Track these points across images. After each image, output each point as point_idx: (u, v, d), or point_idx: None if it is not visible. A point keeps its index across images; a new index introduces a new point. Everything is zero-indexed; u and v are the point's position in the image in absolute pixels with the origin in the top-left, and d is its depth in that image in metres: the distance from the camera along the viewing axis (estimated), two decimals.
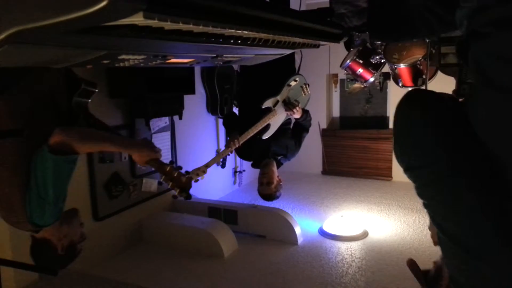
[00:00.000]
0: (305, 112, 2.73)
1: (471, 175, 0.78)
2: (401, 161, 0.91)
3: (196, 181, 2.34)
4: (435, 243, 1.06)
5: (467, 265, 0.80)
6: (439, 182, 0.82)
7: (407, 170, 0.89)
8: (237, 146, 2.42)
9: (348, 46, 3.40)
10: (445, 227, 0.83)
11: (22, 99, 1.48)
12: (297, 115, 2.64)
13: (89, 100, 1.82)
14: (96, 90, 1.83)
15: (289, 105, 2.59)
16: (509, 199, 0.75)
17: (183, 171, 1.71)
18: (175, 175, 1.61)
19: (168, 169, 1.60)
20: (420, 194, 0.88)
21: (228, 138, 2.65)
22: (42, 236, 1.60)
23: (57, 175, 1.45)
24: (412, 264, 1.10)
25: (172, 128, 4.14)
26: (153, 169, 1.64)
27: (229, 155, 2.59)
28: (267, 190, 2.60)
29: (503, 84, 0.74)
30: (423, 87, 3.02)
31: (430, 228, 1.14)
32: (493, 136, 0.78)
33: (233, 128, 2.61)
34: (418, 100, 0.91)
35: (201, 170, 2.31)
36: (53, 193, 1.45)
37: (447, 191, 0.81)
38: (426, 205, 0.87)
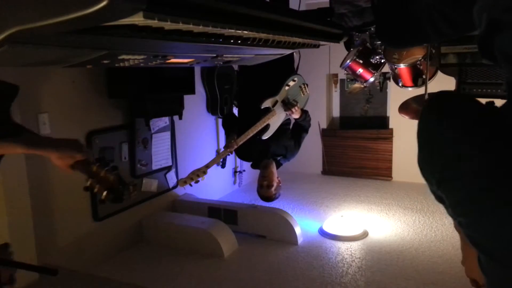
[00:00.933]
0: (304, 112, 2.73)
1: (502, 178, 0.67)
2: (428, 173, 0.79)
3: (197, 182, 2.35)
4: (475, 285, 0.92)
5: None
6: (484, 195, 0.69)
7: (438, 182, 0.77)
8: (235, 147, 2.43)
9: (348, 46, 3.40)
10: (491, 248, 0.70)
11: None
12: (296, 115, 2.64)
13: (11, 106, 1.58)
14: (17, 92, 1.57)
15: (288, 105, 2.59)
16: None
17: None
18: (102, 174, 1.37)
19: (94, 169, 1.36)
20: (458, 212, 0.75)
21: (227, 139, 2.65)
22: None
23: None
24: None
25: (172, 128, 4.14)
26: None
27: (228, 155, 2.58)
28: (267, 193, 2.61)
29: None
30: (424, 87, 3.02)
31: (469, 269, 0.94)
32: None
33: (232, 129, 2.61)
34: (444, 103, 0.81)
35: (202, 171, 2.32)
36: None
37: (494, 204, 0.68)
38: (464, 225, 0.74)
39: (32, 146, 1.32)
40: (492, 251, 0.70)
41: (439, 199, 0.80)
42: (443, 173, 0.76)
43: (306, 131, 2.84)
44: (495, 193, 0.68)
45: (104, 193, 1.37)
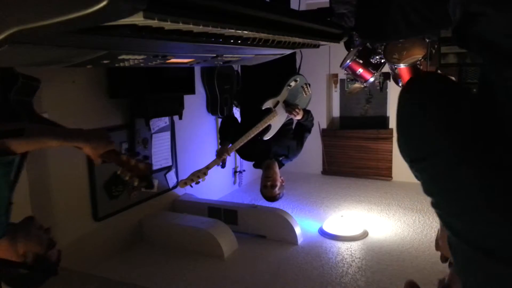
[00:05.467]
0: (307, 113, 2.72)
1: (482, 164, 0.69)
2: (404, 155, 0.84)
3: (197, 183, 2.35)
4: (445, 260, 0.97)
5: (489, 271, 0.68)
6: (446, 174, 0.73)
7: (411, 163, 0.81)
8: (226, 156, 2.44)
9: (348, 46, 3.40)
10: (456, 226, 0.73)
11: None
12: (298, 116, 2.64)
13: (32, 98, 1.60)
14: (39, 86, 1.60)
15: (289, 107, 2.59)
16: None
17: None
18: (133, 163, 1.40)
19: (125, 158, 1.40)
20: (427, 190, 0.79)
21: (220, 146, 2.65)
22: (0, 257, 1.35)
23: None
24: (412, 286, 0.98)
25: (172, 128, 4.14)
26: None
27: (220, 164, 2.57)
28: (271, 193, 2.60)
29: None
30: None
31: (438, 244, 1.01)
32: None
33: (226, 136, 2.61)
34: (417, 86, 0.85)
35: (202, 172, 2.32)
36: None
37: (455, 183, 0.71)
38: (434, 204, 0.78)
39: (65, 138, 1.35)
40: (458, 230, 0.72)
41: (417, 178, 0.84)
42: (413, 153, 0.80)
43: (309, 131, 2.83)
44: (458, 173, 0.71)
45: (136, 181, 1.39)
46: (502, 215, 0.66)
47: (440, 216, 0.78)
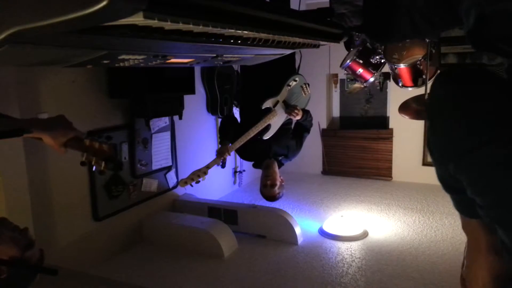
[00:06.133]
0: (306, 113, 2.73)
1: None
2: (444, 150, 0.70)
3: (197, 182, 2.35)
4: None
5: None
6: (504, 165, 0.60)
7: (455, 158, 0.67)
8: (227, 155, 2.44)
9: (348, 46, 3.40)
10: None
11: None
12: (297, 117, 2.64)
13: None
14: None
15: (289, 107, 2.59)
16: None
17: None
18: (97, 146, 1.32)
19: (88, 143, 1.32)
20: (476, 190, 0.65)
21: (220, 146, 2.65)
22: None
23: None
24: None
25: (172, 128, 4.14)
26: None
27: (220, 163, 2.57)
28: (271, 192, 2.61)
29: None
30: (424, 87, 3.02)
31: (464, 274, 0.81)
32: None
33: (226, 135, 2.61)
34: (459, 74, 0.75)
35: (202, 172, 2.32)
36: None
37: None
38: (484, 206, 0.64)
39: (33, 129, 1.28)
40: None
41: (449, 186, 0.72)
42: (458, 146, 0.67)
43: (308, 131, 2.84)
44: None
45: (103, 163, 1.32)
46: None
47: (491, 217, 0.65)
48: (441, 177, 0.73)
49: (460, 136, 0.66)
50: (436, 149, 0.72)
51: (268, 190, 2.60)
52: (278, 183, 2.60)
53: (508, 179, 0.60)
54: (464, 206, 0.76)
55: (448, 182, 0.71)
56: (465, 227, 0.76)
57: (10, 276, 1.27)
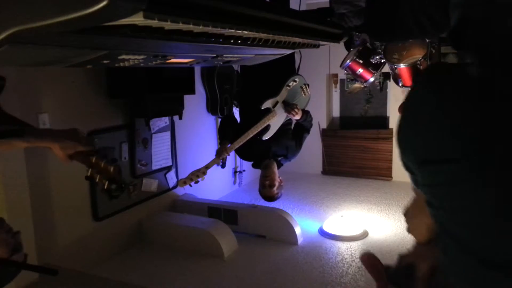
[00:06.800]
0: (306, 113, 2.73)
1: (503, 181, 0.62)
2: (409, 153, 0.75)
3: (197, 182, 2.35)
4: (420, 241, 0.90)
5: (484, 279, 0.64)
6: (460, 183, 0.65)
7: (417, 164, 0.72)
8: (226, 156, 2.44)
9: (348, 46, 3.40)
10: (456, 233, 0.67)
11: None
12: (296, 116, 2.64)
13: None
14: (4, 85, 1.53)
15: (288, 106, 2.59)
16: None
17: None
18: (102, 165, 1.38)
19: (94, 160, 1.38)
20: (430, 192, 0.71)
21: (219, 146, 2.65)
22: None
23: None
24: (368, 259, 0.91)
25: (172, 128, 4.14)
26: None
27: (220, 163, 2.58)
28: (269, 192, 2.61)
29: None
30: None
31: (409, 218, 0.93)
32: None
33: (226, 135, 2.61)
34: (436, 77, 0.76)
35: (201, 172, 2.32)
36: None
37: (471, 196, 0.64)
38: (431, 204, 0.71)
39: (33, 139, 1.34)
40: (459, 237, 0.67)
41: (407, 169, 0.76)
42: (422, 156, 0.71)
43: (308, 131, 2.84)
44: (478, 186, 0.64)
45: (106, 183, 1.37)
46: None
47: (436, 217, 0.72)
48: (402, 161, 0.77)
49: (423, 144, 0.71)
50: (401, 147, 0.77)
51: (266, 190, 2.61)
52: (276, 183, 2.60)
53: (452, 195, 0.66)
54: (417, 184, 0.82)
55: (405, 167, 0.76)
56: (415, 188, 0.81)
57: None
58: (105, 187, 1.36)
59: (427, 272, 0.80)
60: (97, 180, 1.37)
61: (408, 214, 0.93)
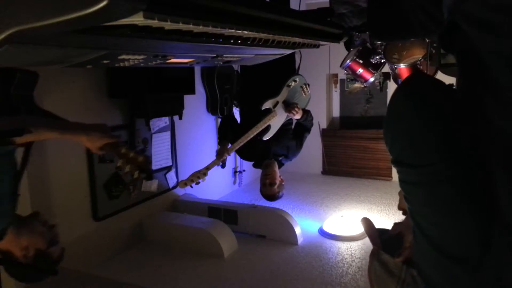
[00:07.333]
0: (306, 112, 2.72)
1: (465, 184, 0.73)
2: (390, 150, 0.86)
3: (197, 183, 2.35)
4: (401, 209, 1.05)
5: (445, 269, 0.76)
6: (429, 186, 0.77)
7: (395, 162, 0.84)
8: (226, 156, 2.44)
9: (348, 46, 3.39)
10: (425, 227, 0.79)
11: None
12: (297, 116, 2.64)
13: (32, 92, 1.66)
14: (37, 80, 1.67)
15: (288, 106, 2.58)
16: (497, 212, 0.71)
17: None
18: (131, 155, 1.45)
19: (123, 151, 1.45)
20: (404, 188, 0.83)
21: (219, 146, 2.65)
22: (4, 247, 1.40)
23: None
24: (367, 223, 1.05)
25: (172, 128, 4.14)
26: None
27: (220, 164, 2.58)
28: (270, 191, 2.60)
29: None
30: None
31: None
32: None
33: (226, 136, 2.61)
34: (417, 89, 0.85)
35: (202, 173, 2.32)
36: None
37: (436, 197, 0.76)
38: (408, 200, 0.83)
39: (63, 131, 1.43)
40: (425, 230, 0.79)
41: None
42: (399, 157, 0.83)
43: (308, 131, 2.83)
44: (444, 188, 0.76)
45: (136, 172, 1.45)
46: (477, 231, 0.73)
47: (410, 210, 0.83)
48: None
49: (400, 147, 0.83)
50: (386, 144, 0.88)
51: (267, 189, 2.60)
52: (277, 181, 2.59)
53: (421, 195, 0.79)
54: None
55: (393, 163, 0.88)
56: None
57: (32, 265, 1.40)
58: (135, 176, 1.45)
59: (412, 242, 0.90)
60: (126, 170, 1.45)
61: (401, 193, 1.03)
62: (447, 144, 0.75)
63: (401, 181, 0.84)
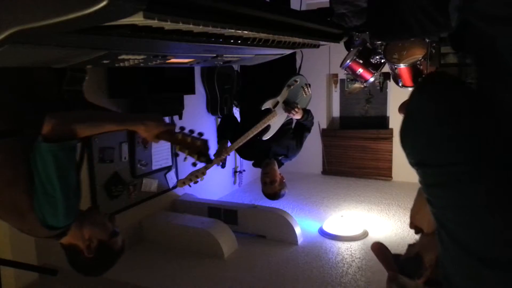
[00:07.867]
0: (306, 112, 2.72)
1: (492, 182, 0.70)
2: (410, 153, 0.83)
3: (196, 182, 2.34)
4: (413, 227, 1.00)
5: (476, 273, 0.73)
6: (454, 186, 0.73)
7: (417, 165, 0.81)
8: (225, 156, 2.43)
9: (348, 46, 3.39)
10: (451, 229, 0.76)
11: (7, 99, 1.40)
12: (297, 116, 2.63)
13: (82, 88, 1.77)
14: (86, 76, 1.78)
15: (289, 106, 2.58)
16: None
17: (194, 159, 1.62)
18: (189, 140, 1.52)
19: (180, 137, 1.52)
20: (428, 191, 0.80)
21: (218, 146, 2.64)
22: (67, 241, 1.51)
23: (59, 166, 1.28)
24: (379, 249, 0.99)
25: None
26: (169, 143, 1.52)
27: (220, 163, 2.58)
28: (271, 189, 2.59)
29: None
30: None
31: (415, 218, 1.02)
32: None
33: (225, 135, 2.61)
34: (435, 89, 0.83)
35: (201, 172, 2.31)
36: (60, 187, 1.30)
37: (463, 197, 0.73)
38: (432, 203, 0.79)
39: (123, 122, 1.48)
40: (454, 234, 0.75)
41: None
42: (419, 159, 0.80)
43: (309, 130, 2.83)
44: (470, 189, 0.72)
45: (196, 156, 1.53)
46: (504, 231, 0.70)
47: (435, 214, 0.79)
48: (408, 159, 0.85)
49: (421, 148, 0.81)
50: (404, 148, 0.86)
51: (268, 188, 2.59)
52: (277, 179, 2.58)
53: (447, 197, 0.75)
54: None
55: (411, 165, 0.85)
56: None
57: (95, 258, 1.49)
58: (195, 159, 1.53)
59: (434, 261, 0.86)
60: (186, 154, 1.53)
61: (414, 208, 1.00)
62: (471, 142, 0.73)
63: (424, 184, 0.81)
